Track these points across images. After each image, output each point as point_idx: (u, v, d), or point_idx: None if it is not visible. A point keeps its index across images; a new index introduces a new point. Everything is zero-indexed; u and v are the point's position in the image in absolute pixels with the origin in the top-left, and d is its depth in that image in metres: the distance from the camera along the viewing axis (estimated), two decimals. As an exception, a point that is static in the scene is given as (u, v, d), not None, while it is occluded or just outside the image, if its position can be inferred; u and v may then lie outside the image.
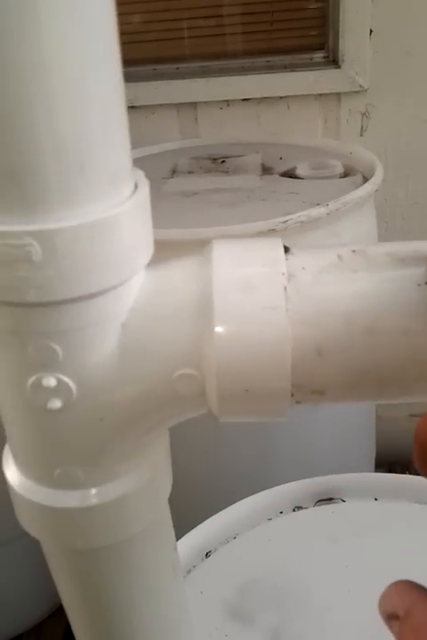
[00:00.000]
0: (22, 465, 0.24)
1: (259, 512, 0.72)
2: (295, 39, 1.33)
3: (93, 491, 0.24)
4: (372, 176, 0.97)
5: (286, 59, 1.31)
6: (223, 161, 1.16)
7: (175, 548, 0.30)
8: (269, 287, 0.21)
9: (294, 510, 0.73)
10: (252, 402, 0.21)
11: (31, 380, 0.21)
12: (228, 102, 1.27)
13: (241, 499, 0.72)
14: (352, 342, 0.21)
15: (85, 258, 0.19)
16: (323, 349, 0.21)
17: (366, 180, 1.01)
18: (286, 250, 0.23)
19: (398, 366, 0.21)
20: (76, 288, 0.19)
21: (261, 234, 0.82)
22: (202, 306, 0.21)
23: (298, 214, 0.85)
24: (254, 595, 0.61)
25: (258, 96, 1.27)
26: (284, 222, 0.83)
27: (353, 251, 0.22)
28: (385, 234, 1.31)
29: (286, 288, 0.21)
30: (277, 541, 0.68)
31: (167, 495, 0.27)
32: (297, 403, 0.22)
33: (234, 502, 0.72)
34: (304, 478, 0.75)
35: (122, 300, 0.21)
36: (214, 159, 1.17)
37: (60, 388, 0.21)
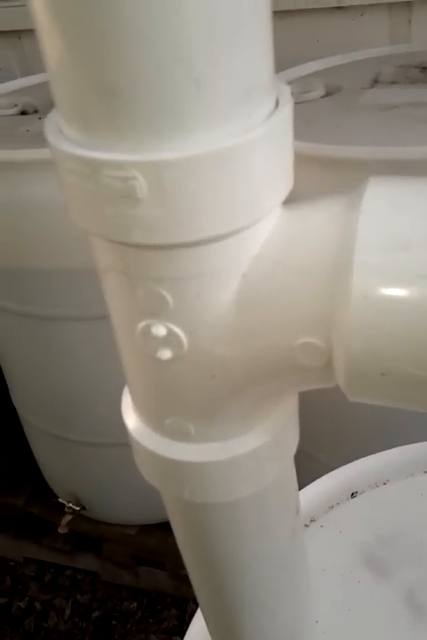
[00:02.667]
0: (138, 408, 0.23)
1: (416, 462, 0.67)
2: None
3: (203, 447, 0.22)
4: None
5: None
6: (434, 71, 1.02)
7: (297, 511, 0.27)
8: (429, 250, 0.16)
9: (456, 468, 0.66)
10: (389, 388, 0.17)
11: (141, 325, 0.19)
12: (449, 1, 1.11)
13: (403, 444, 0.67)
14: None
15: (200, 197, 0.16)
16: None
17: None
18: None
19: None
20: (188, 232, 0.16)
21: (465, 160, 0.71)
22: (339, 262, 0.17)
23: None
24: (395, 547, 0.57)
25: None
26: None
27: None
28: None
29: (453, 253, 0.16)
30: (429, 497, 0.62)
31: (289, 459, 0.24)
32: (451, 396, 0.18)
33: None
34: None
35: (245, 246, 0.18)
36: (424, 68, 1.03)
37: (171, 339, 0.19)
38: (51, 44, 0.15)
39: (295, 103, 0.70)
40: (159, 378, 0.20)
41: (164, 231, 0.16)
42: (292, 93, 0.71)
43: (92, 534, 1.28)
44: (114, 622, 1.33)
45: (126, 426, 0.23)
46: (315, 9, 1.13)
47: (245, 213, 0.17)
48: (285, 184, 0.18)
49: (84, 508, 1.21)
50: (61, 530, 1.23)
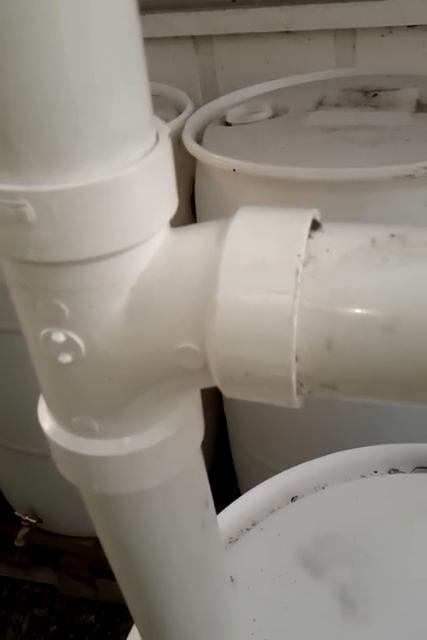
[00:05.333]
0: (49, 408, 0.25)
1: (353, 467, 0.70)
2: None
3: (107, 442, 0.24)
4: None
5: (464, -23, 1.15)
6: (376, 94, 1.07)
7: (207, 505, 0.30)
8: (280, 269, 0.19)
9: (389, 472, 0.70)
10: (254, 386, 0.20)
11: (43, 332, 0.21)
12: (391, 29, 1.16)
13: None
14: (368, 340, 0.18)
15: (84, 221, 0.19)
16: (334, 343, 0.19)
17: None
18: (316, 226, 0.20)
19: (423, 373, 0.18)
20: (76, 251, 0.19)
21: (397, 179, 0.75)
22: (208, 280, 0.20)
23: (443, 160, 0.76)
24: (331, 548, 0.60)
25: (426, 22, 1.14)
26: (425, 168, 0.75)
27: (392, 235, 0.19)
28: None
29: (298, 272, 0.19)
30: (364, 500, 0.66)
31: (193, 453, 0.27)
32: (309, 393, 0.21)
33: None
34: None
35: (133, 263, 0.21)
36: (366, 92, 1.08)
37: (70, 345, 0.21)
38: None
39: (243, 124, 0.75)
40: (63, 380, 0.23)
41: (55, 250, 0.19)
42: (240, 114, 0.75)
43: (49, 547, 1.29)
44: (72, 636, 1.33)
45: (42, 426, 0.26)
46: (264, 33, 1.18)
47: (129, 236, 0.20)
48: (167, 209, 0.21)
49: (40, 520, 1.21)
50: (18, 543, 1.23)
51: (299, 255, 0.19)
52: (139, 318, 0.21)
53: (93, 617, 1.33)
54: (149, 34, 1.22)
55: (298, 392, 0.20)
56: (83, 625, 1.33)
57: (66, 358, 0.22)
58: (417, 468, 0.69)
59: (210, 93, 1.27)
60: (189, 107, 1.09)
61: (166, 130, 0.21)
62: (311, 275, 0.19)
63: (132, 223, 0.20)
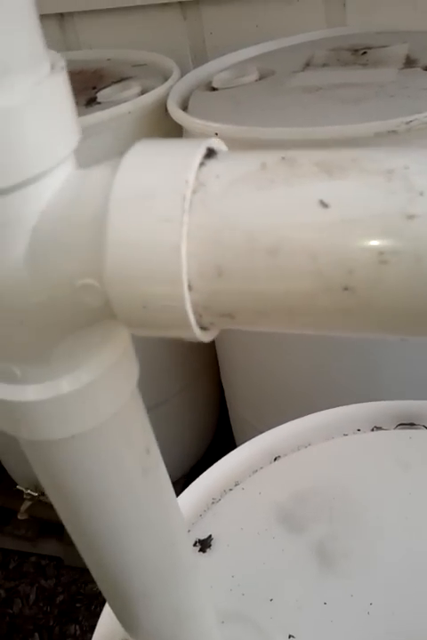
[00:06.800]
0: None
1: (336, 426, 0.71)
2: None
3: (30, 387, 0.24)
4: None
5: None
6: (365, 52, 1.05)
7: (148, 452, 0.30)
8: (168, 196, 0.19)
9: (372, 430, 0.70)
10: (153, 319, 0.20)
11: None
12: (382, -17, 1.13)
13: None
14: (254, 264, 0.18)
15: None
16: (223, 270, 0.19)
17: None
18: (211, 154, 0.20)
19: (306, 294, 0.18)
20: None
21: (378, 136, 0.74)
22: (100, 214, 0.20)
23: (425, 114, 0.75)
24: (310, 504, 0.61)
25: (417, -24, 1.11)
26: (407, 123, 0.74)
27: (283, 158, 0.19)
28: None
29: (185, 198, 0.19)
30: (346, 457, 0.66)
31: (124, 398, 0.27)
32: (212, 324, 0.21)
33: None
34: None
35: (31, 202, 0.21)
36: (356, 50, 1.06)
37: (-24, 289, 0.21)
38: None
39: (229, 88, 0.75)
40: (-24, 326, 0.23)
41: None
42: (226, 79, 0.75)
43: (53, 519, 1.31)
44: (78, 605, 1.36)
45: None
46: (253, -5, 1.16)
47: (18, 171, 0.20)
48: (65, 143, 0.21)
49: (42, 494, 1.23)
50: (21, 516, 1.25)
51: (187, 182, 0.19)
52: (41, 258, 0.21)
53: (99, 586, 1.35)
54: (136, 2, 1.20)
55: (200, 324, 0.20)
56: (88, 594, 1.35)
57: (-27, 303, 0.22)
58: (400, 424, 0.69)
59: (200, 60, 1.26)
60: (176, 74, 1.08)
61: (61, 62, 0.21)
62: (201, 202, 0.19)
63: (22, 158, 0.20)
